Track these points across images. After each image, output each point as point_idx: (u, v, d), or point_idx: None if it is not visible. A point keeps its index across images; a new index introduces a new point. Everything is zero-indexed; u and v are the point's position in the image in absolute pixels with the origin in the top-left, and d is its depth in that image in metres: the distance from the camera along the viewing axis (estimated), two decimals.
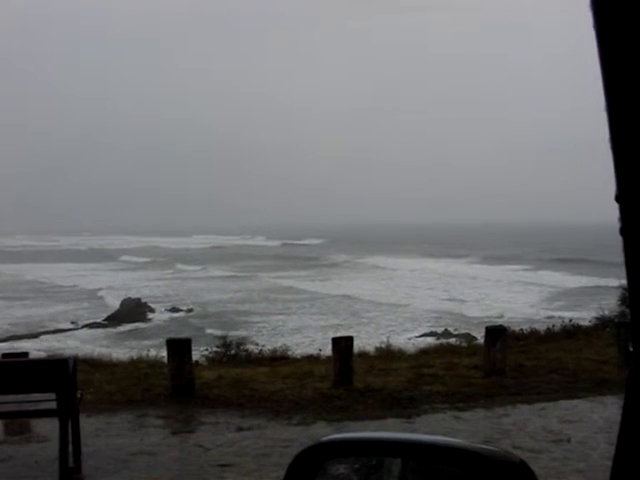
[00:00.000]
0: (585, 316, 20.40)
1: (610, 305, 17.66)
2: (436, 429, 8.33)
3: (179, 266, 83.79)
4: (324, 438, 1.41)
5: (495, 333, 11.54)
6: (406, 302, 47.86)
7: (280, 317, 43.09)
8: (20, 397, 7.17)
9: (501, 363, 11.37)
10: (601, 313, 17.58)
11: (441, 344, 18.43)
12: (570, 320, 16.83)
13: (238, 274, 71.16)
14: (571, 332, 15.56)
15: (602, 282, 48.02)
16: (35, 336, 36.80)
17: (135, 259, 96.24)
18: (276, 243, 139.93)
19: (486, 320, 31.13)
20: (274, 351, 14.89)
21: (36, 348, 25.99)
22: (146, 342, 31.31)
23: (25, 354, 10.16)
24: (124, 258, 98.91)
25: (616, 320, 15.33)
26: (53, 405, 6.99)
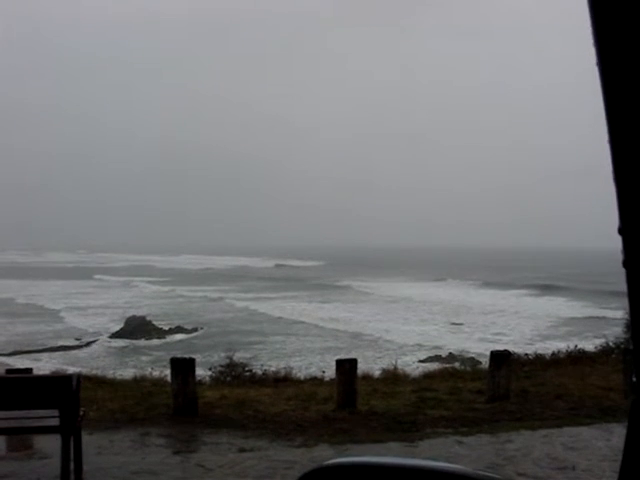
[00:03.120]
0: (590, 343, 20.29)
1: (615, 332, 17.59)
2: (439, 454, 8.28)
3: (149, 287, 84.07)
4: (327, 461, 1.40)
5: (500, 358, 11.49)
6: (404, 332, 46.81)
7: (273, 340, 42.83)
8: (23, 413, 7.17)
9: (505, 388, 11.31)
10: (606, 340, 17.51)
11: (445, 368, 18.32)
12: (575, 346, 16.75)
13: (209, 295, 70.42)
14: (576, 358, 15.46)
15: (604, 312, 47.84)
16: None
17: (111, 278, 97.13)
18: (270, 264, 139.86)
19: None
20: (277, 372, 14.85)
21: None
22: (148, 359, 31.38)
23: (29, 370, 10.16)
24: (98, 276, 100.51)
25: (622, 346, 15.26)
26: (56, 422, 6.99)
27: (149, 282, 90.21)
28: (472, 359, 28.78)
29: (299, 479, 1.40)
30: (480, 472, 1.33)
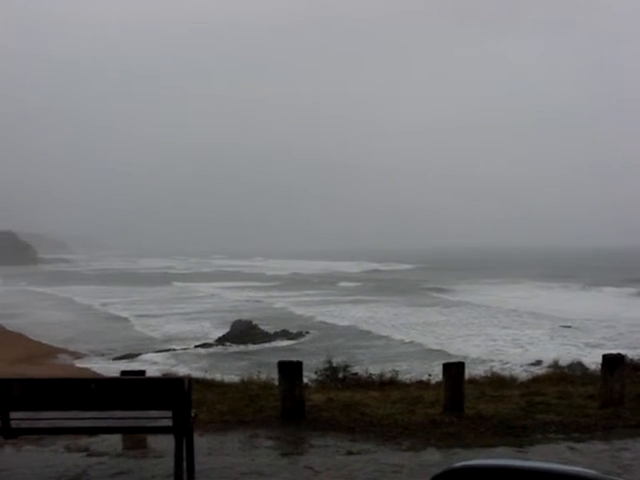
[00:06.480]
0: None
1: None
2: (551, 460, 8.06)
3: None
4: (457, 464, 1.40)
5: (613, 362, 11.08)
6: (508, 336, 45.46)
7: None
8: (138, 413, 7.42)
9: (619, 393, 10.90)
10: None
11: (554, 372, 17.81)
12: None
13: (307, 299, 70.82)
14: None
15: None
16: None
17: (208, 285, 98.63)
18: (361, 267, 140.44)
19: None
20: (382, 375, 14.80)
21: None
22: (255, 362, 31.90)
23: (142, 372, 10.50)
24: (175, 283, 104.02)
25: None
26: (169, 422, 7.19)
27: (247, 288, 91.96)
28: (580, 363, 27.93)
29: None
30: (613, 478, 1.30)
